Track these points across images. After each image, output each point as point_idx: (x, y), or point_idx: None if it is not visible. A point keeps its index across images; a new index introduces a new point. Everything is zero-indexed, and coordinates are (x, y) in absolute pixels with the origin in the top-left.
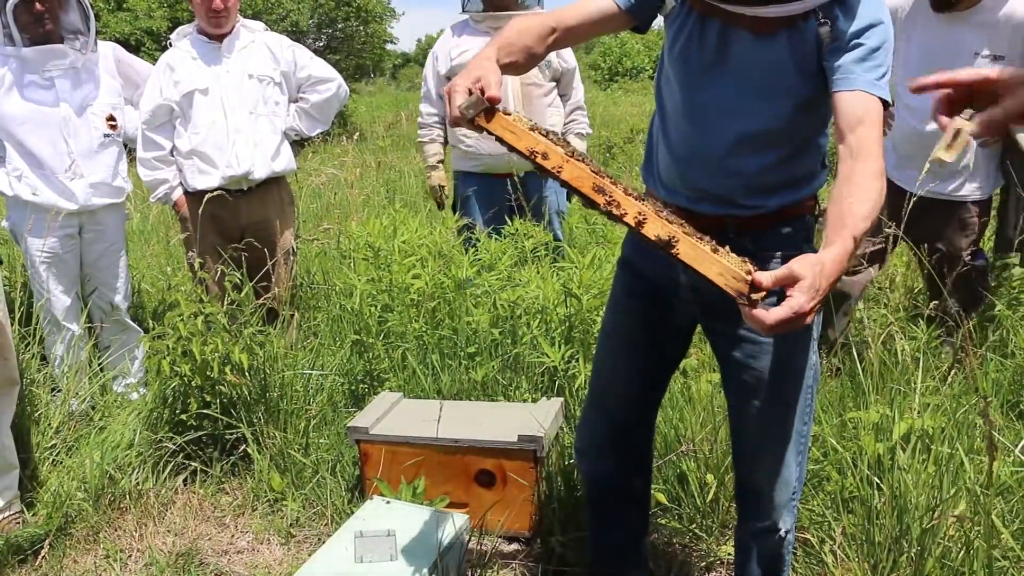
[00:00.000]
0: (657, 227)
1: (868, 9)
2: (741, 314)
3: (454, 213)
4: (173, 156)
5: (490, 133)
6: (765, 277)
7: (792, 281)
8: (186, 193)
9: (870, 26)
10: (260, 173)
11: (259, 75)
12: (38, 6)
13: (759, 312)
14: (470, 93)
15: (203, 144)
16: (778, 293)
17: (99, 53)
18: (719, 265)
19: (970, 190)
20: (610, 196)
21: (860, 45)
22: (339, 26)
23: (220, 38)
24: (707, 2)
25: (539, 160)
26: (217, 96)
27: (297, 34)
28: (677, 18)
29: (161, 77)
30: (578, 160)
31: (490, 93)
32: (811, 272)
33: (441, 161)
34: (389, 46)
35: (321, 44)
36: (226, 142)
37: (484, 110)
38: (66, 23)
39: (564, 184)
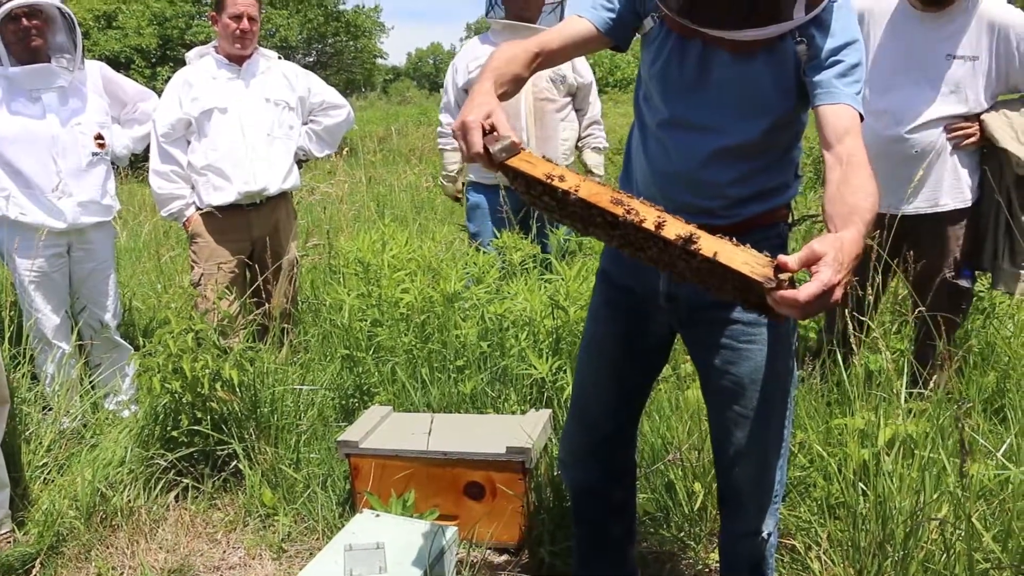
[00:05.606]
0: (677, 227)
1: (843, 28)
2: (770, 301)
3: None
4: (186, 171)
5: (506, 170)
6: (790, 259)
7: (815, 259)
8: (198, 209)
9: (847, 44)
10: (274, 190)
11: (276, 99)
12: (25, 22)
13: (789, 292)
14: (483, 131)
15: (220, 160)
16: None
17: (86, 72)
18: (743, 254)
19: (949, 201)
20: (628, 206)
21: (840, 62)
22: (329, 41)
23: (240, 60)
24: (687, 26)
25: (556, 183)
26: (236, 116)
27: (287, 49)
28: (656, 38)
29: (179, 91)
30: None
31: (517, 141)
32: (832, 247)
33: (460, 170)
34: (379, 61)
35: (311, 59)
36: (244, 159)
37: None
38: (53, 42)
39: (579, 203)
